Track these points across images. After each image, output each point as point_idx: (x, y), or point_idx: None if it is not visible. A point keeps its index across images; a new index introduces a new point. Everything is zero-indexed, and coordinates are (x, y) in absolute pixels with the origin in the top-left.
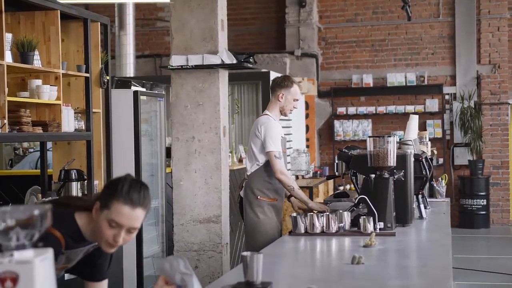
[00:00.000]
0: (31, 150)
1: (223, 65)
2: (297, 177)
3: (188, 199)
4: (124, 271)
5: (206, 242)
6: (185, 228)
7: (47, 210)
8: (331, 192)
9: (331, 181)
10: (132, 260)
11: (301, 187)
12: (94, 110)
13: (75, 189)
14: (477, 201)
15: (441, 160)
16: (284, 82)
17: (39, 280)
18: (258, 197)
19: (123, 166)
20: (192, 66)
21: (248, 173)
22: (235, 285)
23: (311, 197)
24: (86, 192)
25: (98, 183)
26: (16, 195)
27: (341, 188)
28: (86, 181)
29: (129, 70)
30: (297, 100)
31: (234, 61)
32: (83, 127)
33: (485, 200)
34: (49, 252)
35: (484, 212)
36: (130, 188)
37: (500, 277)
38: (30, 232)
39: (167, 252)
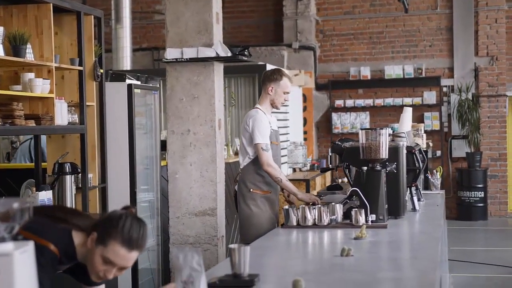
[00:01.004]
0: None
1: (218, 58)
2: (294, 170)
3: (183, 192)
4: None
5: (202, 235)
6: (181, 221)
7: (26, 204)
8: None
9: (328, 174)
10: None
11: (298, 180)
12: (87, 104)
13: (69, 182)
14: (474, 193)
15: (438, 153)
16: (274, 75)
17: (19, 272)
18: (251, 190)
19: (117, 159)
20: (187, 59)
21: (241, 167)
22: (222, 277)
23: (307, 190)
24: (80, 185)
25: (92, 177)
26: (12, 188)
27: (339, 180)
28: (80, 174)
29: (126, 63)
30: (288, 93)
31: (229, 54)
32: (77, 121)
33: (482, 192)
34: (30, 245)
35: (481, 204)
36: (130, 228)
37: (497, 269)
38: (9, 225)
39: (163, 245)
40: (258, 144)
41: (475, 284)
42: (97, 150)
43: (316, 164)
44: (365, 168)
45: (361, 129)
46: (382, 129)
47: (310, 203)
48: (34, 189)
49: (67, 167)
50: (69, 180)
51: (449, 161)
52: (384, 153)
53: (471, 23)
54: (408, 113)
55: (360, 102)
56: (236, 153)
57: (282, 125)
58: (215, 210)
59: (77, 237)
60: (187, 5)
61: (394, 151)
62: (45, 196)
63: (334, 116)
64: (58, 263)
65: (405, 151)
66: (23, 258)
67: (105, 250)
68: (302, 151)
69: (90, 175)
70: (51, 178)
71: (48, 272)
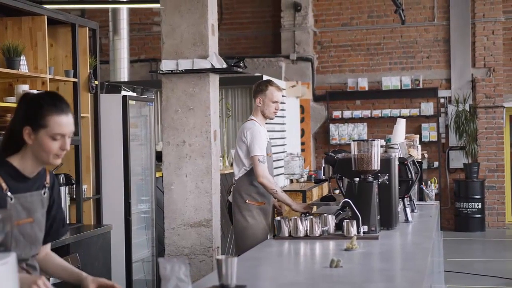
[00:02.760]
0: None
1: (213, 70)
2: (291, 181)
3: (179, 203)
4: (113, 275)
5: (197, 246)
6: (176, 232)
7: (8, 215)
8: None
9: (325, 185)
10: (121, 264)
11: (295, 191)
12: (82, 115)
13: (63, 193)
14: (472, 205)
15: (436, 164)
16: (260, 86)
17: (0, 284)
18: (247, 201)
19: (112, 170)
20: (182, 70)
21: (236, 178)
22: None
23: (304, 201)
24: (74, 196)
25: (87, 188)
26: None
27: (337, 192)
28: (74, 186)
29: (123, 74)
30: (276, 102)
31: (224, 66)
32: None
33: (480, 203)
34: (11, 257)
35: (479, 216)
36: (55, 101)
37: (495, 281)
38: None
39: (157, 256)
40: (255, 156)
41: None
42: (92, 161)
43: (313, 175)
44: (357, 179)
45: (353, 140)
46: (374, 140)
47: (305, 213)
48: None
49: (61, 179)
50: (63, 191)
51: (447, 172)
52: (376, 165)
53: (468, 35)
54: (401, 124)
55: (358, 113)
56: (232, 164)
57: (279, 136)
58: (210, 221)
59: (13, 160)
60: (182, 17)
61: (386, 162)
62: None
63: (332, 127)
64: (10, 191)
65: (397, 163)
66: (4, 269)
67: (48, 129)
68: (298, 162)
69: (84, 186)
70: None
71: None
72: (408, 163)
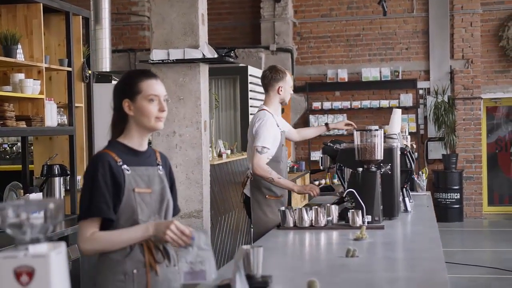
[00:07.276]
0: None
1: (204, 60)
2: None
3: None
4: None
5: None
6: None
7: (61, 203)
8: None
9: (307, 176)
10: None
11: None
12: (76, 105)
13: (58, 184)
14: (450, 195)
15: (415, 154)
16: (279, 74)
17: (55, 273)
18: (267, 196)
19: None
20: (173, 60)
21: (252, 172)
22: None
23: (289, 193)
24: (68, 187)
25: (81, 179)
26: None
27: (317, 182)
28: (69, 177)
29: (105, 64)
30: (291, 87)
31: (215, 56)
32: (66, 122)
33: (458, 194)
34: (63, 246)
35: (457, 206)
36: (142, 71)
37: (474, 270)
38: (44, 225)
39: None
40: (255, 146)
41: (462, 285)
42: (85, 151)
43: (295, 166)
44: (360, 169)
45: (356, 130)
46: (377, 130)
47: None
48: (21, 191)
49: (56, 169)
50: (57, 182)
51: (426, 163)
52: (379, 154)
53: (447, 26)
54: (397, 114)
55: (338, 104)
56: (220, 155)
57: None
58: (200, 212)
59: (121, 139)
60: (172, 7)
61: (388, 152)
62: (36, 198)
63: (312, 118)
64: (122, 162)
65: (399, 152)
66: (58, 259)
67: (143, 93)
68: None
69: (78, 177)
70: (39, 180)
71: (113, 173)
72: (407, 153)
